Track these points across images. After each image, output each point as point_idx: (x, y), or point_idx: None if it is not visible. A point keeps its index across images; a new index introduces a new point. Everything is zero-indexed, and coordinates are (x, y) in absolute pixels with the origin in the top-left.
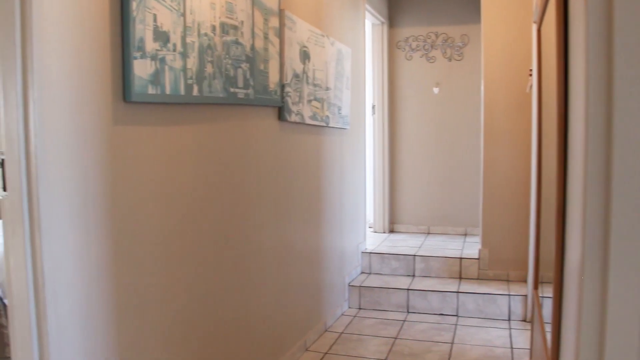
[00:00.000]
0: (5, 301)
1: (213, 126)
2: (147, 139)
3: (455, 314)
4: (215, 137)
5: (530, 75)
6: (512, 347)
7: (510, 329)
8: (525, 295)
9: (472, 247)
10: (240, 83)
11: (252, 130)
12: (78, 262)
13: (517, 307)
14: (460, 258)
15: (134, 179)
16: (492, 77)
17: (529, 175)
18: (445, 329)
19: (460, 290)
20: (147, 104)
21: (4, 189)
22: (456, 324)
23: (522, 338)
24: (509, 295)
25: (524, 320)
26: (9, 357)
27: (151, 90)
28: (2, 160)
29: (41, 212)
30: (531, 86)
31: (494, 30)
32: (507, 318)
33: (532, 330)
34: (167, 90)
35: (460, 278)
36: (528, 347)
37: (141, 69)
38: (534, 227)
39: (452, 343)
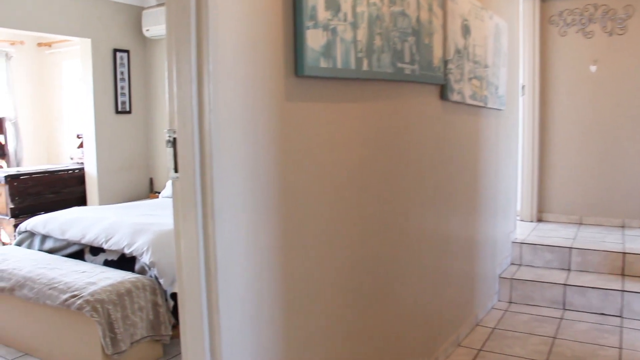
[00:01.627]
0: (162, 281)
1: (379, 104)
2: (316, 117)
3: (619, 314)
4: (381, 116)
5: None
6: None
7: None
8: None
9: (635, 242)
10: (407, 58)
11: (415, 109)
12: (249, 247)
13: None
14: (624, 253)
15: (302, 160)
16: None
17: None
18: (609, 330)
19: (625, 289)
20: (318, 79)
21: (176, 170)
22: (621, 326)
23: None
24: None
25: None
26: (165, 336)
27: (323, 63)
28: (174, 139)
29: (215, 195)
30: None
31: None
32: None
33: None
34: (339, 64)
35: (623, 275)
36: None
37: (314, 39)
38: None
39: (621, 348)
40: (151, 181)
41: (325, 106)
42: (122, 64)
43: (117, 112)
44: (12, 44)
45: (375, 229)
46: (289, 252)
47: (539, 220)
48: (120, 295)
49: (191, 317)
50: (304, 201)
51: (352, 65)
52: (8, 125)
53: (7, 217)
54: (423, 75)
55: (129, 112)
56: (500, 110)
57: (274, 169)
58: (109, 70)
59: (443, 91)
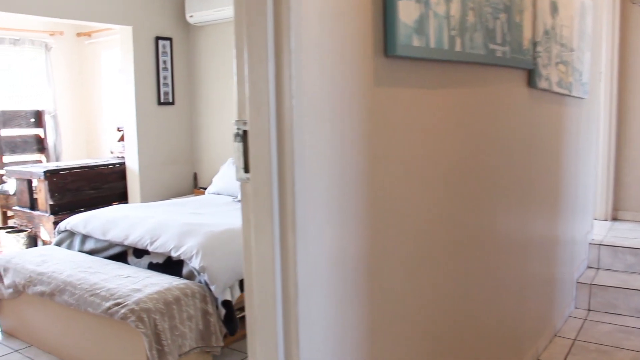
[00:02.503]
0: (213, 287)
1: (469, 92)
2: (406, 106)
3: None
4: (471, 106)
5: None
6: None
7: None
8: None
9: None
10: (499, 38)
11: (503, 98)
12: (333, 265)
13: None
14: None
15: (392, 159)
16: None
17: None
18: None
19: None
20: (408, 60)
21: (246, 170)
22: None
23: None
24: None
25: None
26: (215, 347)
27: (415, 41)
28: (244, 132)
29: (297, 201)
30: None
31: None
32: None
33: None
34: (431, 43)
35: None
36: None
37: (406, 12)
38: None
39: None
40: (195, 176)
41: (415, 93)
42: (164, 53)
43: (160, 103)
44: (52, 34)
45: (467, 236)
46: (377, 269)
47: (614, 218)
48: (168, 304)
49: (264, 349)
50: (393, 207)
51: (445, 45)
52: (47, 119)
53: (47, 214)
54: (513, 58)
55: (172, 103)
56: (583, 99)
57: (362, 170)
58: (151, 60)
59: (531, 77)
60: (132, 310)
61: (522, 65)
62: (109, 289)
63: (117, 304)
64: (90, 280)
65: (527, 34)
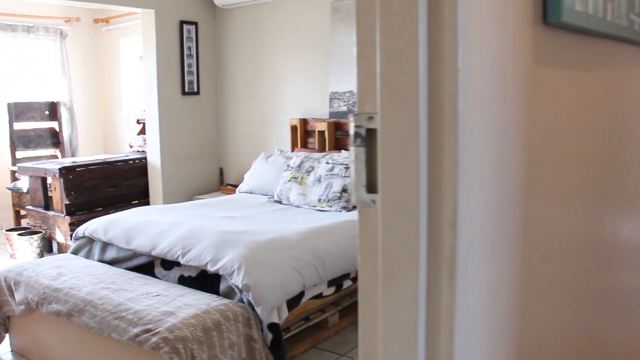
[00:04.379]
0: (259, 310)
1: (611, 74)
2: (557, 92)
3: None
4: (608, 92)
5: None
6: None
7: None
8: None
9: None
10: (637, 7)
11: (635, 79)
12: (490, 318)
13: None
14: None
15: (546, 162)
16: None
17: None
18: None
19: None
20: (566, 31)
21: (371, 188)
22: None
23: None
24: None
25: None
26: None
27: (578, 5)
28: (369, 131)
29: (458, 234)
30: None
31: None
32: None
33: None
34: (590, 8)
35: None
36: None
37: None
38: None
39: None
40: (221, 172)
41: (568, 75)
42: (189, 38)
43: (184, 93)
44: (67, 20)
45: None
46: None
47: None
48: (207, 330)
49: None
50: (546, 226)
51: (600, 13)
52: (62, 111)
53: (62, 215)
54: None
55: (197, 93)
56: None
57: (520, 183)
58: (175, 46)
59: None
60: (165, 339)
61: None
62: (137, 312)
63: (147, 331)
64: (113, 300)
65: None
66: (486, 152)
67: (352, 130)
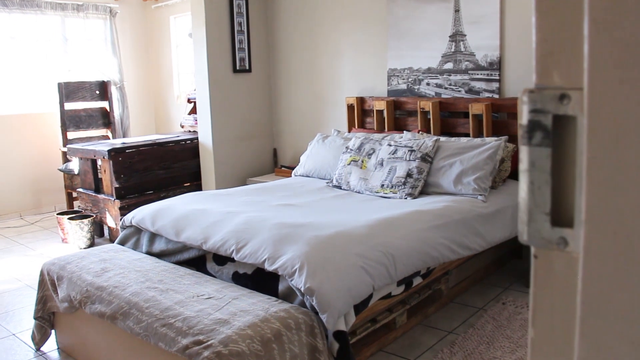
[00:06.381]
0: (324, 317)
1: None
2: None
3: None
4: None
5: None
6: None
7: None
8: None
9: None
10: None
11: None
12: None
13: None
14: None
15: None
16: None
17: None
18: None
19: None
20: None
21: (560, 220)
22: None
23: None
24: None
25: None
26: None
27: None
28: (557, 119)
29: None
30: None
31: None
32: None
33: None
34: None
35: None
36: None
37: None
38: None
39: None
40: (275, 152)
41: None
42: (239, 14)
43: (235, 70)
44: None
45: None
46: None
47: None
48: (266, 342)
49: None
50: None
51: None
52: (113, 90)
53: (112, 199)
54: None
55: (249, 70)
56: None
57: None
58: (225, 22)
59: None
60: (218, 355)
61: None
62: (186, 319)
63: (198, 343)
64: (161, 303)
65: None
66: None
67: (525, 117)
